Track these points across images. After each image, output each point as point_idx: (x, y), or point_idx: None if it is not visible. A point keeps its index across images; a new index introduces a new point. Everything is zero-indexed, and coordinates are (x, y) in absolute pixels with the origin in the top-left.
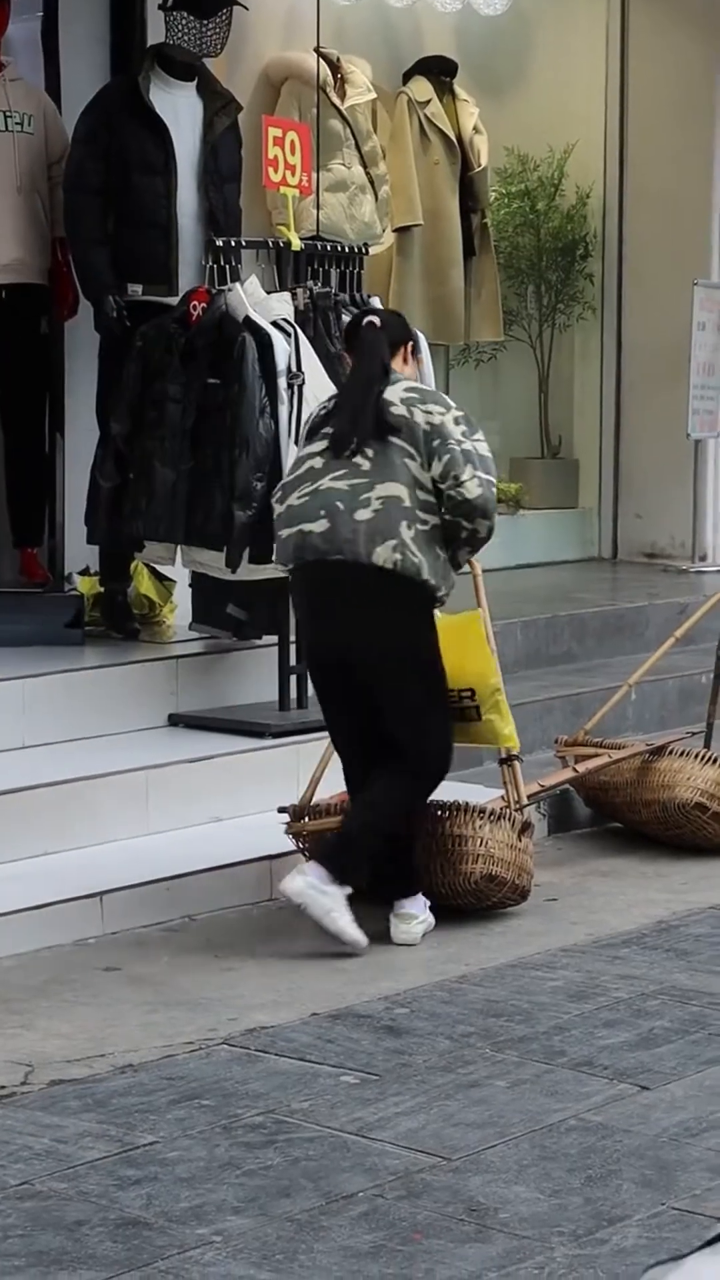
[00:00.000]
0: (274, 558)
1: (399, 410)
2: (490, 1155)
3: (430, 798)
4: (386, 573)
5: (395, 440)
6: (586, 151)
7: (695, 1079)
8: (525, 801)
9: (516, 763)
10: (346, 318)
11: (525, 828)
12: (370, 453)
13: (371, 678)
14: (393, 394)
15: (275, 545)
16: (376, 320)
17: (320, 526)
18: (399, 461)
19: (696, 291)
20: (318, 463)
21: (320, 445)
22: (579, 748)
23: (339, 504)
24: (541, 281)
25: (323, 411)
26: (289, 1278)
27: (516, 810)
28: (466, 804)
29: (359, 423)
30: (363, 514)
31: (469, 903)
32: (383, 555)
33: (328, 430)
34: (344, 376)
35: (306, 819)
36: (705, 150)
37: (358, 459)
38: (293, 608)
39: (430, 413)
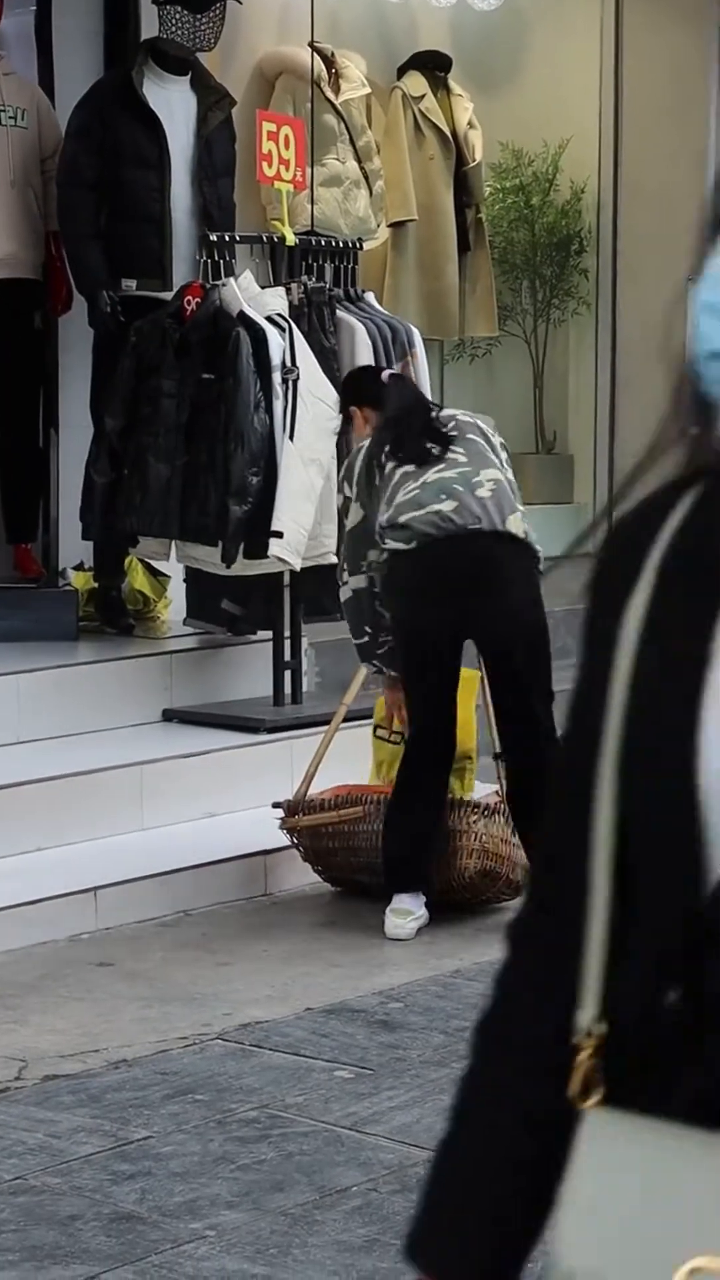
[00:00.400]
0: (392, 541)
1: (464, 417)
2: None
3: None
4: (520, 542)
5: (474, 437)
6: (581, 146)
7: None
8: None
9: (501, 761)
10: (341, 313)
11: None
12: (459, 449)
13: (514, 649)
14: (446, 414)
15: (397, 532)
16: (397, 369)
17: (449, 505)
18: (488, 454)
19: (691, 288)
20: (409, 468)
21: (399, 463)
22: None
23: (457, 486)
24: (536, 277)
25: (377, 449)
26: (282, 1272)
27: (503, 804)
28: (460, 799)
29: (432, 431)
30: (482, 492)
31: (463, 897)
32: (514, 524)
33: (400, 454)
34: (338, 370)
35: (301, 814)
36: (700, 145)
37: (451, 455)
38: (400, 588)
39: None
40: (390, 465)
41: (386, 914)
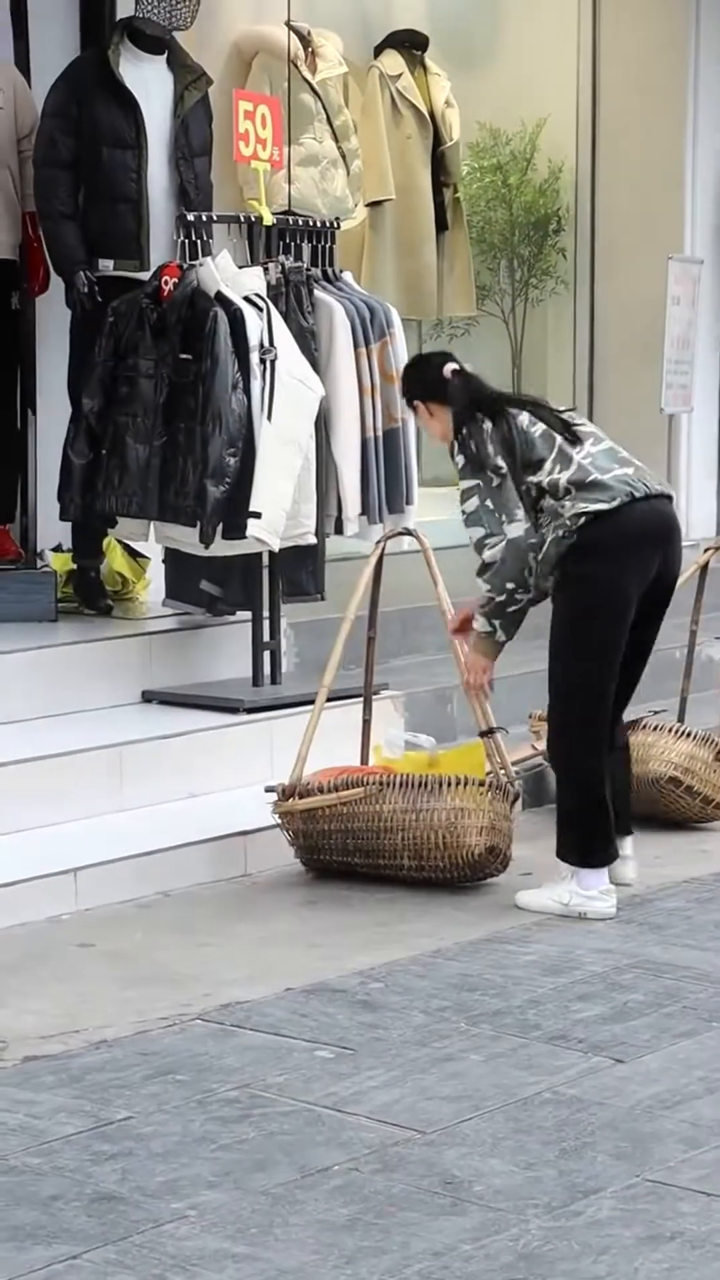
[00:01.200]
0: (588, 502)
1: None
2: (465, 1128)
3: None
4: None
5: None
6: (559, 125)
7: (669, 1052)
8: (514, 773)
9: (499, 734)
10: (319, 293)
11: (516, 798)
12: (584, 426)
13: (670, 597)
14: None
15: (595, 491)
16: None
17: (630, 470)
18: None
19: (671, 266)
20: (560, 432)
21: (544, 423)
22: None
23: (622, 453)
24: (514, 256)
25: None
26: (264, 1251)
27: (509, 782)
28: (467, 777)
29: (560, 417)
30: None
31: (463, 875)
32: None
33: (539, 414)
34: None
35: (297, 797)
36: (678, 124)
37: (585, 431)
38: (604, 545)
39: None
40: (538, 431)
41: (591, 896)
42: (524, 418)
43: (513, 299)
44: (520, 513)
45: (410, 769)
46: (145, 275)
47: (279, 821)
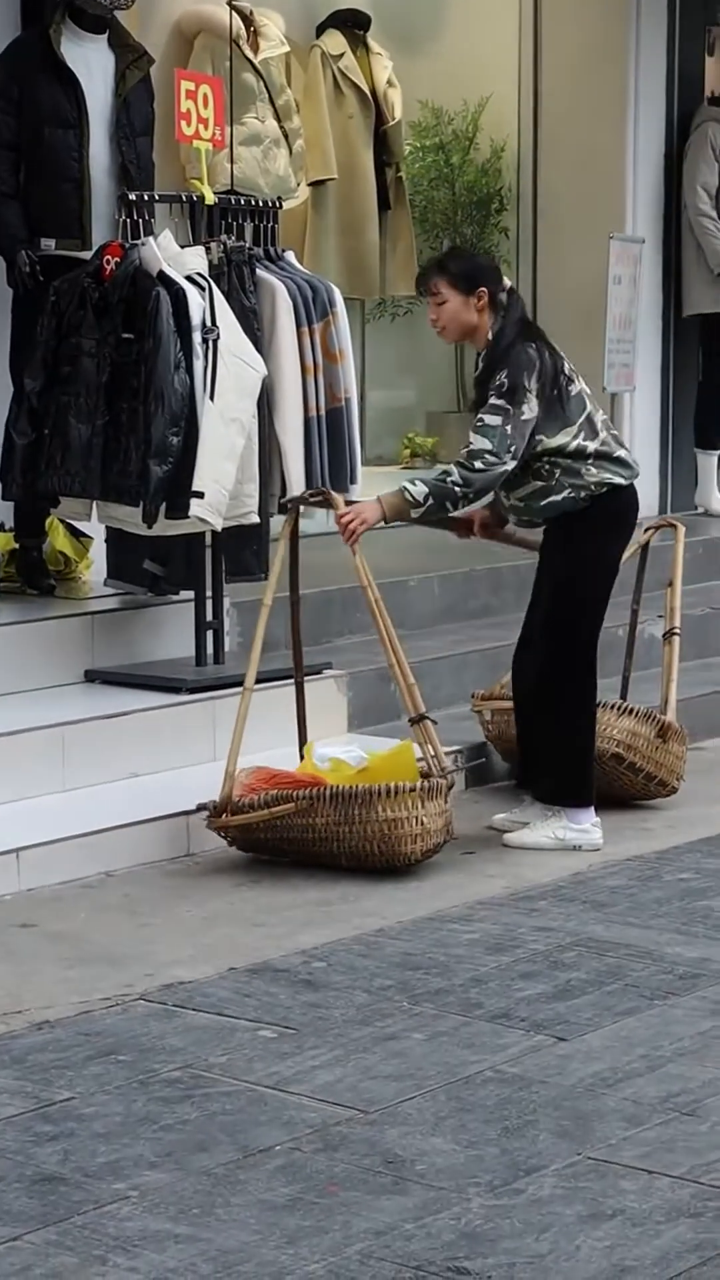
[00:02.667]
0: (610, 474)
1: None
2: (407, 1107)
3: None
4: None
5: None
6: (500, 105)
7: (611, 1030)
8: (446, 764)
9: (429, 721)
10: (261, 272)
11: (450, 788)
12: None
13: None
14: None
15: (616, 466)
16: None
17: (630, 456)
18: None
19: (612, 245)
20: (589, 400)
21: (584, 384)
22: (495, 701)
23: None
24: (457, 235)
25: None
26: (205, 1232)
27: (440, 776)
28: (397, 785)
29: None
30: None
31: (405, 864)
32: None
33: (582, 387)
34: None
35: (229, 814)
36: (619, 103)
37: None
38: (612, 520)
39: None
40: (575, 391)
41: (585, 829)
42: (569, 371)
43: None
44: (520, 454)
45: (338, 779)
46: (87, 254)
47: (222, 835)
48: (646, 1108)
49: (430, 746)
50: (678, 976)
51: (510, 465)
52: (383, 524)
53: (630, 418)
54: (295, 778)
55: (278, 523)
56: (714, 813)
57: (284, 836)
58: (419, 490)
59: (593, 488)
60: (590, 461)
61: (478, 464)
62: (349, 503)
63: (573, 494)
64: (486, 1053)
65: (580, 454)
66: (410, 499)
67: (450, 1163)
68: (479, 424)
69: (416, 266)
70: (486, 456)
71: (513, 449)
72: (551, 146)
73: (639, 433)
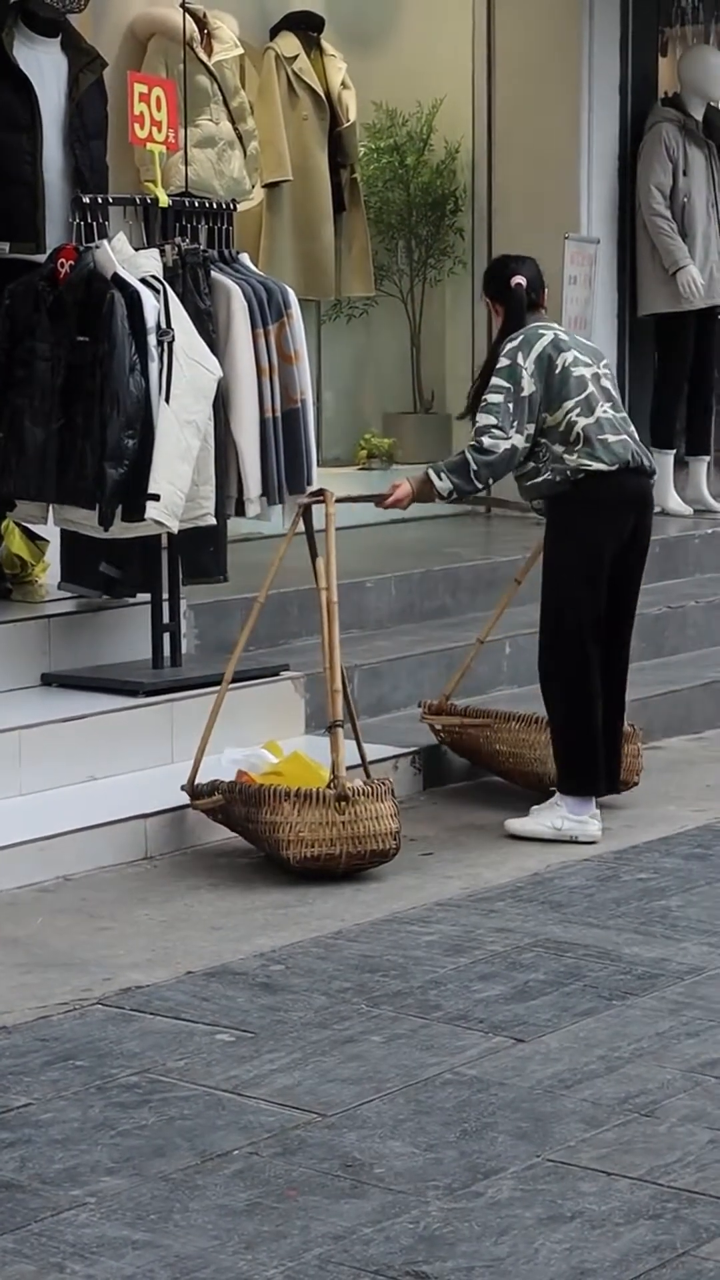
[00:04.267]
0: (592, 460)
1: None
2: (366, 1111)
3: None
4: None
5: None
6: (455, 106)
7: (570, 1031)
8: (339, 774)
9: (339, 730)
10: (216, 274)
11: (341, 800)
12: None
13: (639, 568)
14: None
15: (601, 450)
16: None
17: (632, 441)
18: None
19: (567, 245)
20: (591, 383)
21: (589, 370)
22: (444, 717)
23: (629, 425)
24: (412, 236)
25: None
26: (163, 1238)
27: (328, 787)
28: (275, 789)
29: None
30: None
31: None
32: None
33: (586, 362)
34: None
35: (202, 797)
36: (573, 103)
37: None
38: (594, 504)
39: None
40: (578, 372)
41: (583, 820)
42: (570, 354)
43: (411, 279)
44: (528, 430)
45: (258, 777)
46: (41, 258)
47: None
48: (605, 1109)
49: (334, 755)
50: (636, 977)
51: (517, 439)
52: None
53: None
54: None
55: (234, 524)
56: (671, 812)
57: (251, 831)
58: (444, 485)
59: (569, 473)
60: (575, 445)
61: (485, 440)
62: (346, 498)
63: (551, 476)
64: (445, 1055)
65: (569, 433)
66: (439, 492)
67: (409, 1166)
68: (484, 403)
69: (372, 267)
70: (493, 431)
71: (516, 424)
72: (506, 147)
73: None
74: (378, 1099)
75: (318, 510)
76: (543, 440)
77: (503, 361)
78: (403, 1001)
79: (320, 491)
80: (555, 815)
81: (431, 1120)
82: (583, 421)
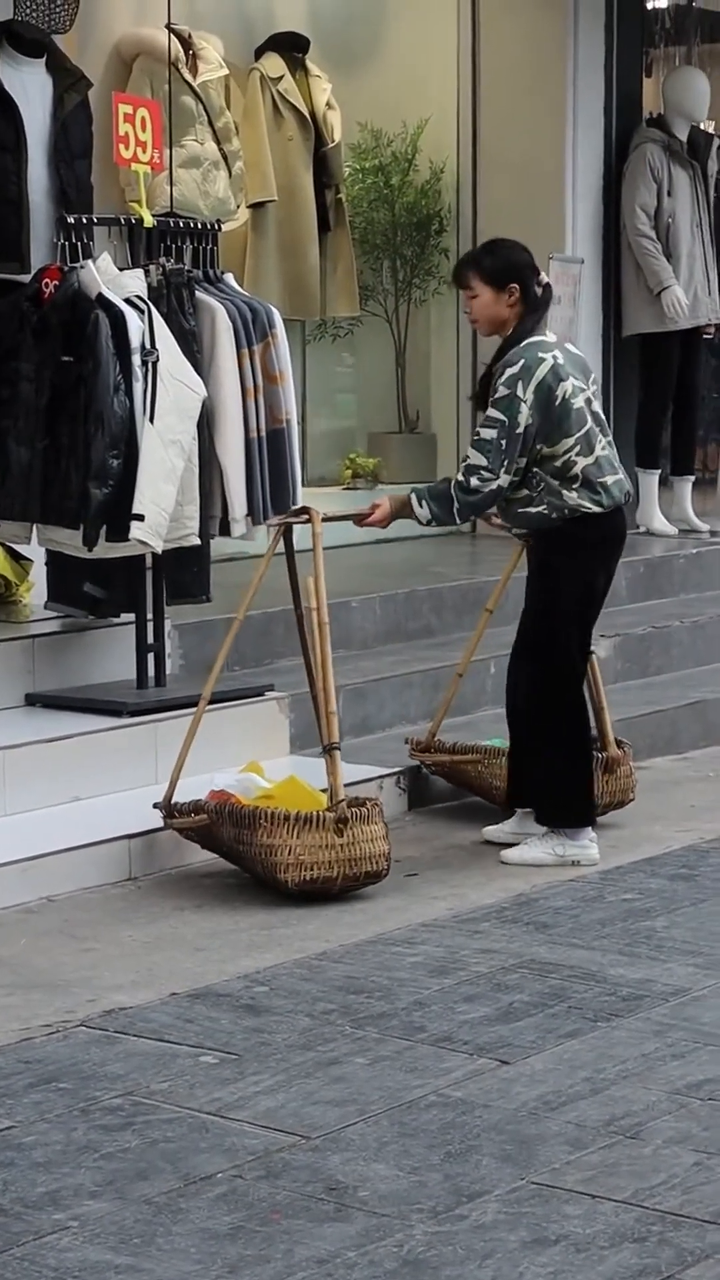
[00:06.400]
0: (587, 500)
1: None
2: (350, 1133)
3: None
4: None
5: None
6: (440, 126)
7: (554, 1052)
8: (339, 798)
9: (336, 753)
10: (201, 294)
11: (341, 823)
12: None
13: (605, 596)
14: None
15: (594, 493)
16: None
17: (623, 476)
18: None
19: (552, 265)
20: (589, 414)
21: (584, 396)
22: (432, 755)
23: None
24: (397, 256)
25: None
26: (146, 1262)
27: (328, 810)
28: (273, 812)
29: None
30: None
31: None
32: None
33: (581, 387)
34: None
35: (177, 815)
36: (558, 123)
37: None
38: (585, 545)
39: None
40: (578, 403)
41: (583, 845)
42: (569, 383)
43: (396, 299)
44: (519, 464)
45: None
46: (26, 278)
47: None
48: (590, 1131)
49: (332, 778)
50: (621, 998)
51: (505, 481)
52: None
53: None
54: (218, 794)
55: (218, 544)
56: (656, 832)
57: (233, 852)
58: (424, 513)
59: (566, 511)
60: (574, 485)
61: (474, 481)
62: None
63: (547, 511)
64: (429, 1077)
65: (567, 470)
66: (418, 518)
67: (393, 1189)
68: (477, 438)
69: (357, 287)
70: (482, 473)
71: (506, 463)
72: (491, 167)
73: None
74: (362, 1121)
75: (300, 531)
76: (538, 470)
77: (502, 391)
78: (387, 1023)
79: (303, 510)
80: (553, 842)
81: (416, 1143)
82: (583, 462)
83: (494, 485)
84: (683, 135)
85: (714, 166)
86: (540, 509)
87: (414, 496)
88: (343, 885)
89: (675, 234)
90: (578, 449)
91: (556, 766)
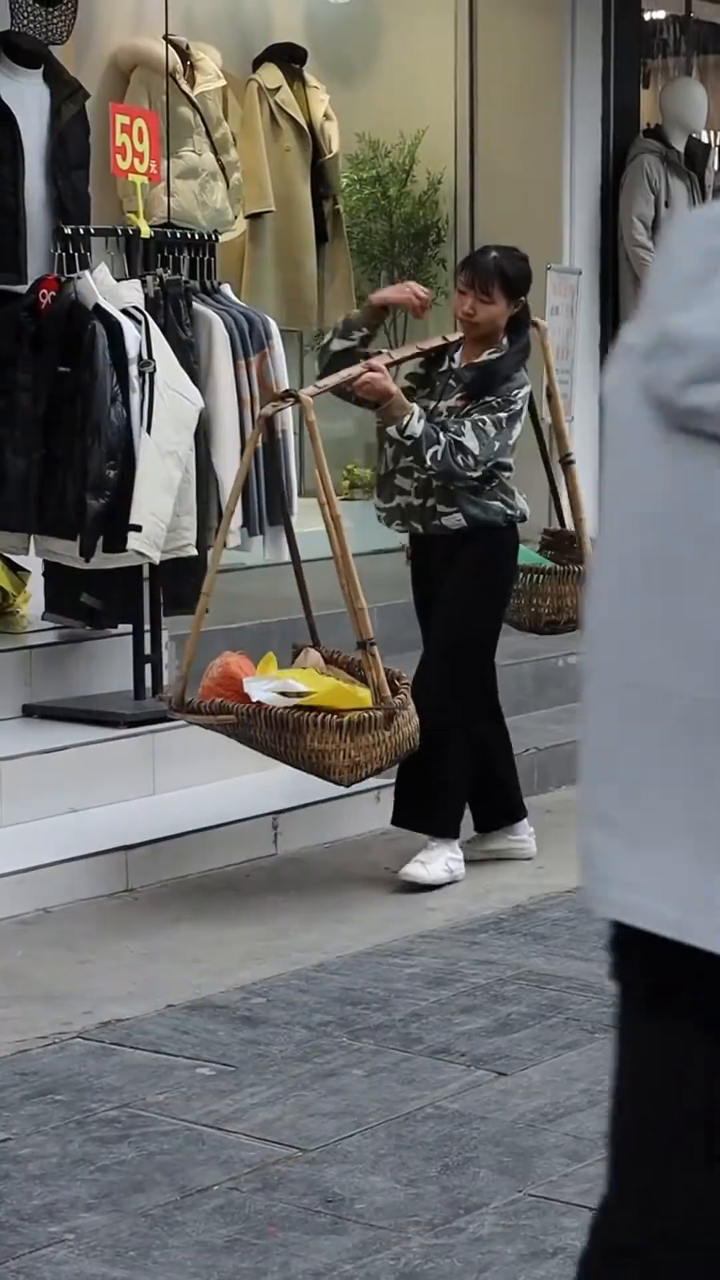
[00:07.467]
0: (521, 509)
1: None
2: (347, 1145)
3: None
4: None
5: None
6: (437, 137)
7: (552, 1064)
8: (386, 693)
9: (373, 648)
10: (198, 305)
11: (389, 718)
12: None
13: None
14: None
15: (519, 506)
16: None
17: None
18: None
19: (549, 276)
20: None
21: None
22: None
23: None
24: (394, 267)
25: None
26: (142, 1275)
27: (376, 709)
28: (323, 718)
29: None
30: None
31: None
32: None
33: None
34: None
35: (185, 711)
36: (555, 134)
37: None
38: (513, 550)
39: None
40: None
41: (459, 855)
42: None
43: (393, 309)
44: (485, 469)
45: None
46: (23, 288)
47: None
48: (588, 1143)
49: (374, 674)
50: None
51: (477, 474)
52: (378, 403)
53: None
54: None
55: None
56: None
57: (234, 735)
58: (414, 428)
59: (515, 516)
60: (519, 494)
61: (459, 459)
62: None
63: (504, 507)
64: (426, 1089)
65: (507, 474)
66: (401, 426)
67: (390, 1201)
68: (481, 424)
69: (354, 298)
70: (469, 458)
71: (489, 463)
72: (488, 178)
73: (578, 462)
74: (358, 1133)
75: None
76: (499, 474)
77: (512, 406)
78: (384, 1034)
79: (288, 393)
80: (447, 855)
81: (413, 1155)
82: (509, 469)
83: (470, 473)
84: (680, 146)
85: (711, 177)
86: (498, 504)
87: (417, 413)
88: (388, 768)
89: None
90: (510, 454)
91: (453, 774)
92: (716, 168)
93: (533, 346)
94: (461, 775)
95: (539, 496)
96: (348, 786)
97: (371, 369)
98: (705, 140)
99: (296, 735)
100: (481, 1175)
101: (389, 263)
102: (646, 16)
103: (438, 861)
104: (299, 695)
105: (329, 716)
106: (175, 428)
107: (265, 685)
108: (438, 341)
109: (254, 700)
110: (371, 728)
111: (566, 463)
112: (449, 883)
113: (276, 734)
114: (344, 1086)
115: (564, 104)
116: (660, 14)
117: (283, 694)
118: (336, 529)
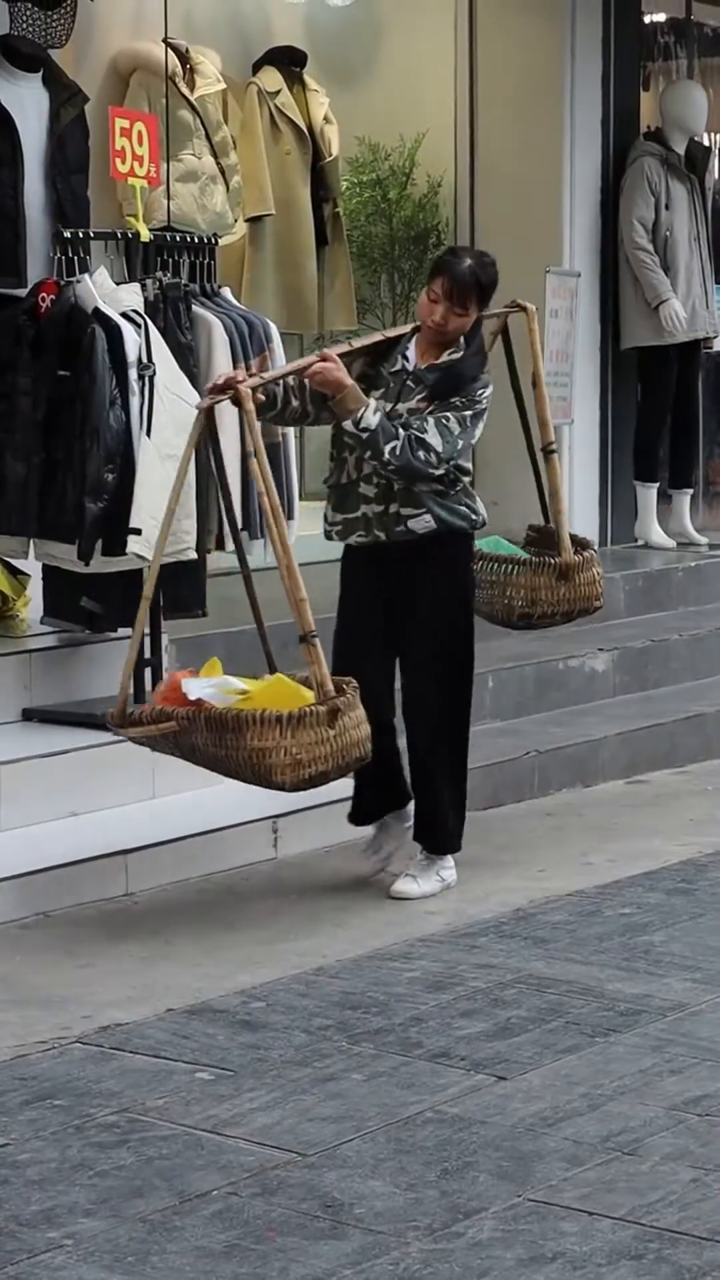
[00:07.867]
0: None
1: None
2: (346, 1150)
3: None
4: None
5: None
6: (437, 140)
7: (552, 1068)
8: (327, 688)
9: (314, 640)
10: (197, 308)
11: (333, 715)
12: None
13: None
14: None
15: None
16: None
17: None
18: None
19: (549, 278)
20: None
21: None
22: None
23: None
24: (394, 270)
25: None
26: None
27: (319, 704)
28: (263, 714)
29: None
30: None
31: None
32: None
33: None
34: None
35: (128, 725)
36: (555, 137)
37: None
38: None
39: None
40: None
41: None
42: None
43: (394, 312)
44: (447, 467)
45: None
46: (22, 292)
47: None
48: (587, 1148)
49: (316, 669)
50: (619, 1013)
51: (439, 472)
52: (332, 395)
53: (569, 450)
54: (180, 699)
55: (214, 559)
56: (655, 846)
57: (175, 747)
58: (370, 419)
59: (474, 518)
60: (476, 495)
61: (420, 454)
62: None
63: (468, 513)
64: (426, 1093)
65: (468, 477)
66: (356, 419)
67: (389, 1206)
68: (445, 421)
69: (354, 301)
70: (431, 455)
71: (452, 461)
72: (488, 181)
73: (578, 465)
74: (358, 1138)
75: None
76: (460, 477)
77: (478, 405)
78: (384, 1039)
79: (227, 385)
80: (438, 867)
81: (412, 1159)
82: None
83: (431, 471)
84: (680, 148)
85: (712, 180)
86: (464, 508)
87: (373, 405)
88: (335, 776)
89: (673, 247)
90: (468, 458)
91: (457, 789)
92: (718, 172)
93: (520, 330)
94: (459, 788)
95: (529, 492)
96: (290, 791)
97: (324, 358)
98: (706, 143)
99: (237, 735)
100: (481, 1180)
101: (389, 265)
102: (647, 19)
103: (428, 875)
104: (240, 694)
105: (268, 712)
106: (175, 431)
107: (204, 684)
108: (378, 338)
109: (192, 699)
110: (314, 724)
111: (548, 452)
112: (443, 889)
113: (217, 736)
114: (343, 1091)
115: (564, 107)
116: (660, 17)
117: (223, 692)
118: (275, 519)
